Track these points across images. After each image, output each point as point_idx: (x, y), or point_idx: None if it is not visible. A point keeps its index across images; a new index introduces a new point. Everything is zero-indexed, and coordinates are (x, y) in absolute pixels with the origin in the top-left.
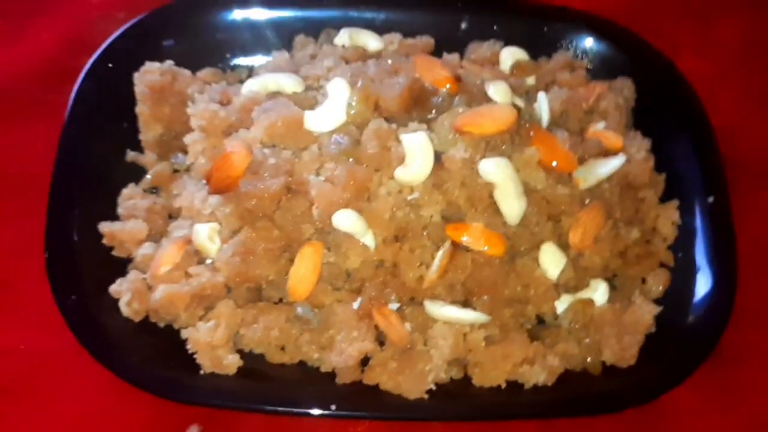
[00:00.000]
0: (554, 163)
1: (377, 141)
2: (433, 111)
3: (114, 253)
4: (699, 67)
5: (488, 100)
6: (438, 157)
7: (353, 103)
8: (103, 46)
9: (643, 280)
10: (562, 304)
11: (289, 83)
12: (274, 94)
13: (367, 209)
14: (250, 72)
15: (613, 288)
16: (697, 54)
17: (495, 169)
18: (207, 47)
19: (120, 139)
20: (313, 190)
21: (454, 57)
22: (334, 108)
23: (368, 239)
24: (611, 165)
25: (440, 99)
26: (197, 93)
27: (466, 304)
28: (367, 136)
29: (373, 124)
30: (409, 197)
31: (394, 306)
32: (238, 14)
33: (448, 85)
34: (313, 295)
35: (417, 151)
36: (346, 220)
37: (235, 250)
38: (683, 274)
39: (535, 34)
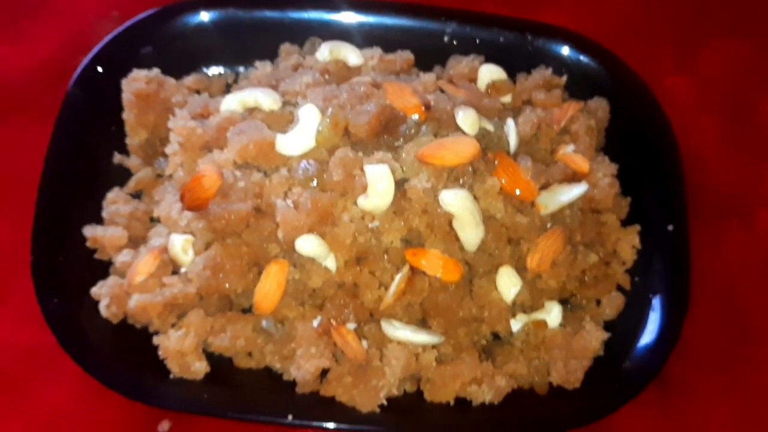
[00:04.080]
0: (517, 191)
1: (342, 169)
2: (401, 139)
3: (96, 256)
4: (683, 90)
5: (457, 127)
6: (402, 184)
7: (322, 130)
8: (94, 50)
9: (599, 302)
10: (517, 323)
11: (267, 101)
12: (252, 111)
13: (330, 233)
14: (236, 77)
15: (568, 308)
16: (682, 77)
17: (454, 201)
18: (197, 51)
19: (109, 141)
20: (278, 215)
21: (430, 77)
22: (304, 133)
23: (330, 262)
24: (573, 193)
25: (409, 127)
26: (178, 108)
27: (423, 322)
28: (333, 164)
29: (340, 153)
30: (370, 225)
31: (352, 325)
32: (228, 18)
33: (417, 114)
34: (277, 310)
35: (378, 183)
36: (307, 245)
37: (205, 264)
38: (637, 299)
39: (517, 47)
